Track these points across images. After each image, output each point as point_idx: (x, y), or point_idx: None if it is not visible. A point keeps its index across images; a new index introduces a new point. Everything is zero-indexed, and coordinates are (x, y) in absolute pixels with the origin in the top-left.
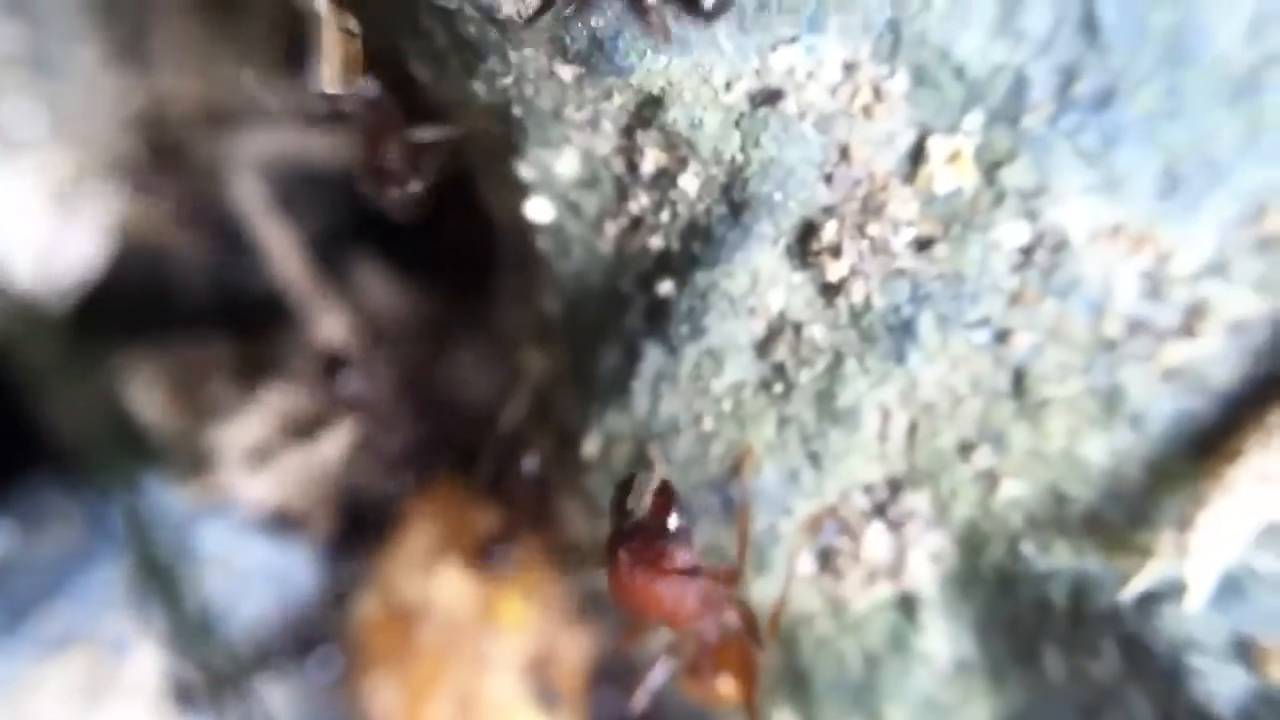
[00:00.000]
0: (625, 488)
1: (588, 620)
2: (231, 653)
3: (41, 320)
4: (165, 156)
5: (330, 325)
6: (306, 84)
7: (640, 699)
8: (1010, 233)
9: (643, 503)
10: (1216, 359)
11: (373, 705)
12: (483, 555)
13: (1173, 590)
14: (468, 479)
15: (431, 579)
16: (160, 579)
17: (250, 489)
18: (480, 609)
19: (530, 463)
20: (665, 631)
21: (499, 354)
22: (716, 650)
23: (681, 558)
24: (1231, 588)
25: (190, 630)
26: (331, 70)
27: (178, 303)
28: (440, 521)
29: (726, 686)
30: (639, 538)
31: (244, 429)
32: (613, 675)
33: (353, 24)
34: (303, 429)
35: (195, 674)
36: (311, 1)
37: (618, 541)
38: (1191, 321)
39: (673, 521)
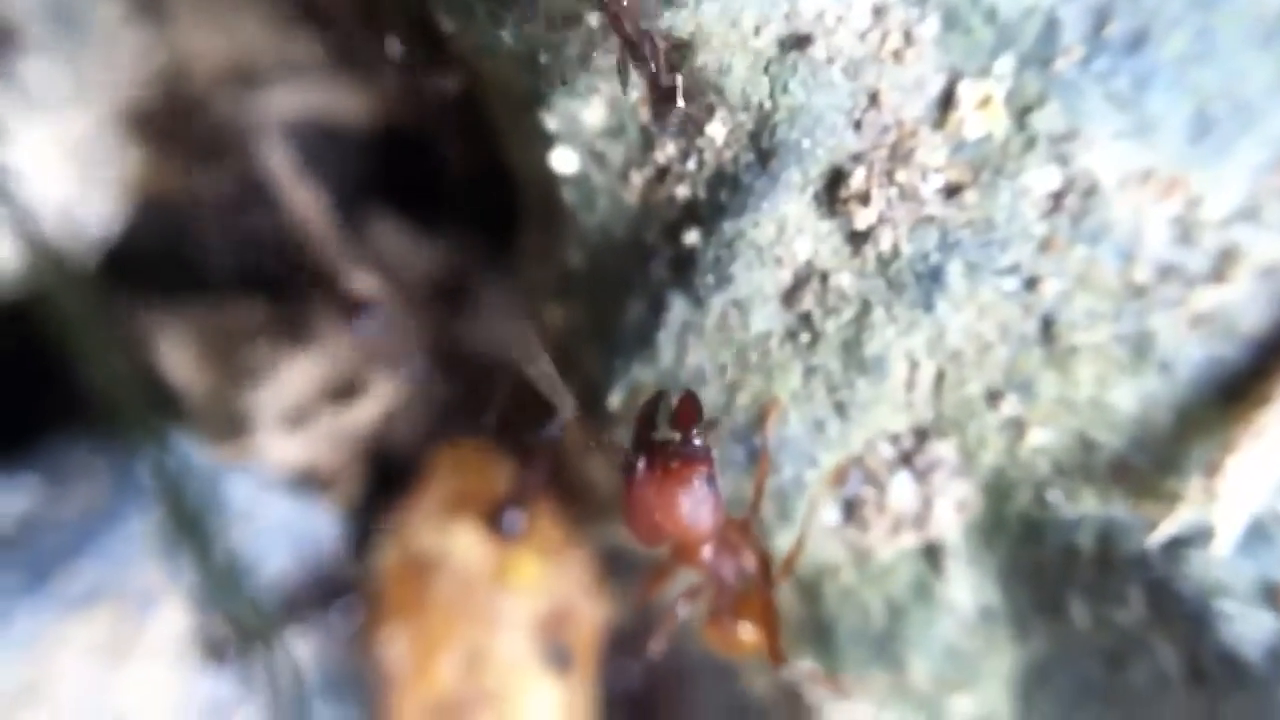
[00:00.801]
0: (651, 404)
1: (607, 584)
2: (258, 605)
3: (70, 274)
4: (187, 114)
5: (357, 282)
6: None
7: (659, 643)
8: (1040, 178)
9: (667, 417)
10: (1246, 305)
11: (387, 655)
12: (497, 518)
13: (1200, 536)
14: (488, 438)
15: (447, 533)
16: (189, 532)
17: (280, 449)
18: (494, 567)
19: (551, 425)
20: (685, 579)
21: (521, 310)
22: (738, 596)
23: (701, 469)
24: (1259, 533)
25: (219, 582)
26: None
27: (203, 262)
28: (459, 478)
29: (748, 633)
30: (659, 448)
31: (278, 391)
32: (628, 646)
33: None
34: (338, 392)
35: (222, 627)
36: None
37: (637, 451)
38: (1221, 267)
39: (695, 433)
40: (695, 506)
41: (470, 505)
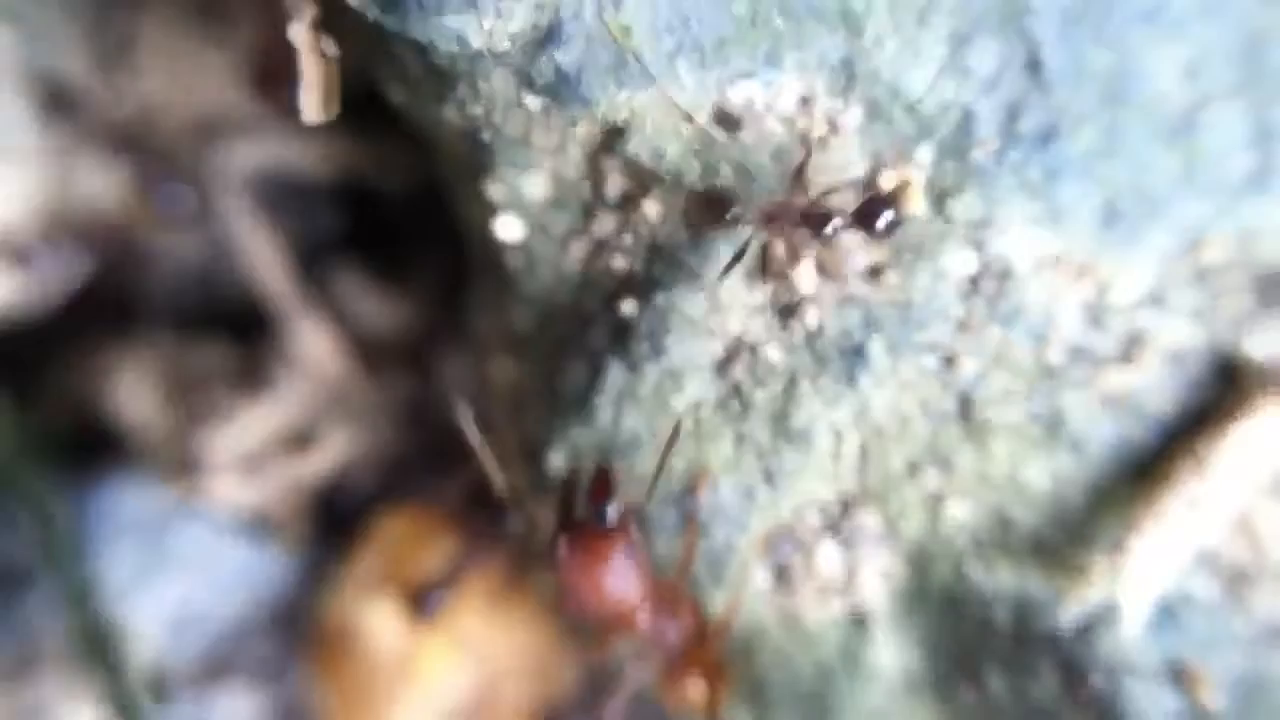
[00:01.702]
0: (569, 483)
1: (561, 651)
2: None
3: None
4: (152, 164)
5: (314, 336)
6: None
7: (614, 709)
8: (958, 261)
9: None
10: (1154, 387)
11: (319, 709)
12: (420, 599)
13: (1111, 614)
14: (434, 502)
15: (367, 608)
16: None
17: (232, 492)
18: (404, 653)
19: (512, 518)
20: (630, 643)
21: (469, 364)
22: (683, 654)
23: (617, 543)
24: (1168, 614)
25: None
26: (312, 99)
27: (165, 306)
28: (392, 549)
29: (696, 689)
30: (577, 526)
31: (234, 436)
32: (586, 708)
33: (331, 48)
34: (293, 440)
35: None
36: (290, 29)
37: (558, 532)
38: (1130, 350)
39: (611, 508)
40: (617, 579)
41: (396, 579)
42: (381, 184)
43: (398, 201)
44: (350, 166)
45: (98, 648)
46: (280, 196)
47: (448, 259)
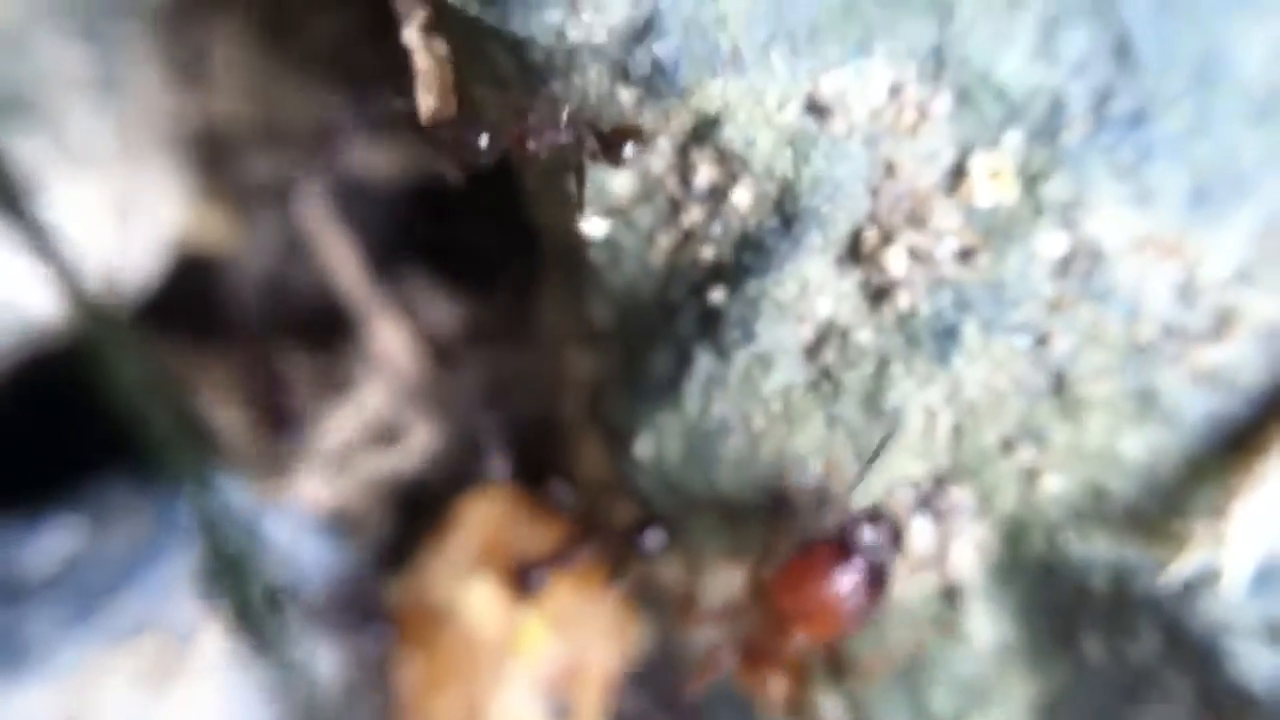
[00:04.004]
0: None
1: (631, 619)
2: (286, 626)
3: (111, 323)
4: (226, 172)
5: (391, 334)
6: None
7: (697, 686)
8: (1049, 243)
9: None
10: (1245, 362)
11: (399, 680)
12: (521, 578)
13: (1210, 577)
14: (517, 487)
15: (463, 587)
16: (229, 570)
17: (317, 492)
18: (503, 630)
19: (650, 539)
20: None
21: (545, 361)
22: (768, 643)
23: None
24: (1266, 575)
25: (256, 614)
26: (430, 100)
27: (241, 313)
28: (485, 531)
29: (778, 684)
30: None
31: (318, 436)
32: (645, 679)
33: (444, 49)
34: (380, 437)
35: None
36: (402, 32)
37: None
38: (1221, 326)
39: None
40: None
41: (494, 559)
42: (452, 186)
43: (467, 204)
44: (421, 170)
45: (229, 562)
46: (353, 200)
47: (518, 260)
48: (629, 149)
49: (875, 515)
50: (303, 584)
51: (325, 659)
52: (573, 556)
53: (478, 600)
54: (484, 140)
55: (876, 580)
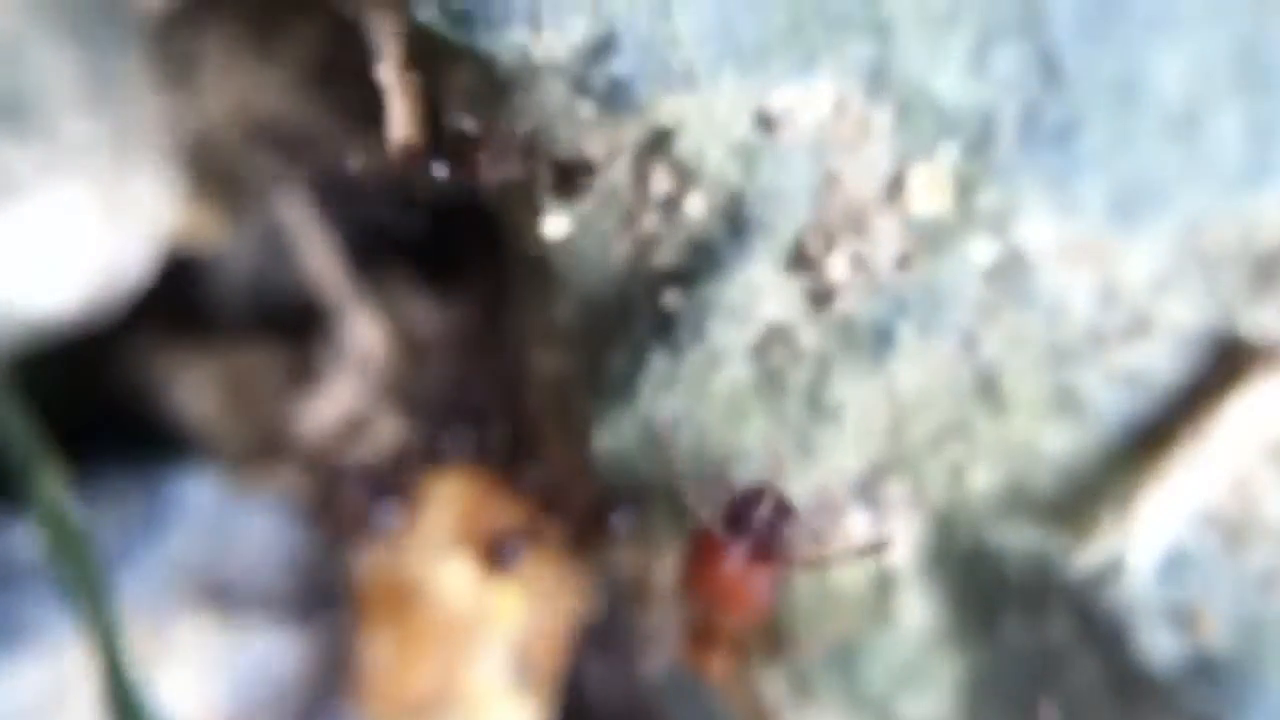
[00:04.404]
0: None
1: (580, 592)
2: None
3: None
4: (214, 171)
5: (365, 329)
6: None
7: (649, 666)
8: (980, 250)
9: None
10: (1160, 363)
11: (366, 655)
12: (496, 552)
13: (1119, 565)
14: (486, 469)
15: (435, 565)
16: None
17: (291, 482)
18: (476, 603)
19: (621, 518)
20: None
21: (512, 356)
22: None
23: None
24: (1170, 563)
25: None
26: (400, 132)
27: (221, 309)
28: (455, 509)
29: (719, 662)
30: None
31: (293, 428)
32: (597, 645)
33: (418, 82)
34: (349, 429)
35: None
36: (377, 70)
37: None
38: (1139, 329)
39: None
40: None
41: (465, 535)
42: (425, 191)
43: (440, 207)
44: (396, 173)
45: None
46: (333, 200)
47: (488, 262)
48: (582, 182)
49: (757, 493)
50: (265, 572)
51: (285, 647)
52: (543, 531)
53: (451, 576)
54: (443, 171)
55: (766, 553)
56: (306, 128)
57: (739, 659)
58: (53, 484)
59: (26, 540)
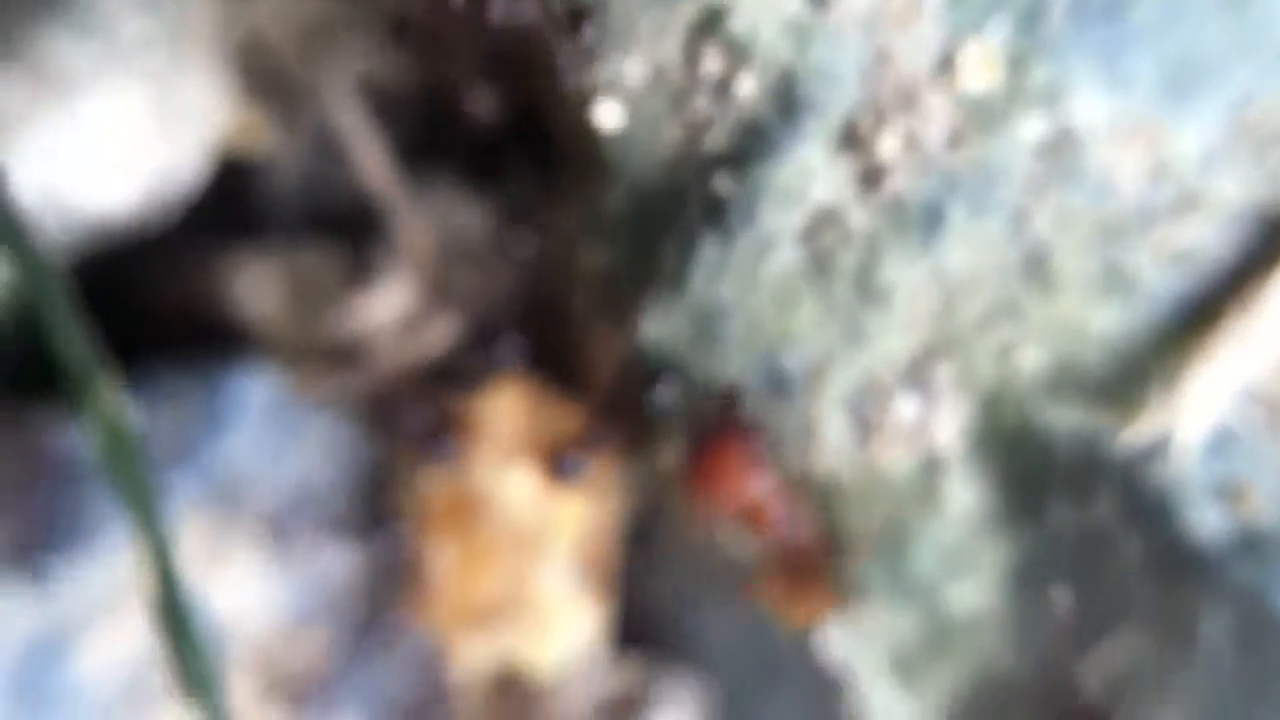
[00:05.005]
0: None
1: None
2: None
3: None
4: (265, 75)
5: (416, 231)
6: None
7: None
8: (1030, 128)
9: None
10: (1208, 241)
11: (429, 565)
12: (558, 465)
13: (1165, 444)
14: (540, 377)
15: (502, 476)
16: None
17: (351, 381)
18: (541, 513)
19: (662, 393)
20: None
21: (558, 252)
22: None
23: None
24: (1216, 441)
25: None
26: None
27: (274, 212)
28: (513, 421)
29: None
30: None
31: (351, 327)
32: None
33: None
34: (405, 328)
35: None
36: None
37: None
38: (1187, 208)
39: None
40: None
41: (524, 447)
42: (467, 90)
43: (481, 107)
44: (437, 74)
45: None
46: (379, 103)
47: (530, 159)
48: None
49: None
50: (329, 477)
51: (340, 560)
52: (599, 440)
53: (514, 486)
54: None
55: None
56: (354, 29)
57: (830, 602)
58: (107, 389)
59: (85, 442)
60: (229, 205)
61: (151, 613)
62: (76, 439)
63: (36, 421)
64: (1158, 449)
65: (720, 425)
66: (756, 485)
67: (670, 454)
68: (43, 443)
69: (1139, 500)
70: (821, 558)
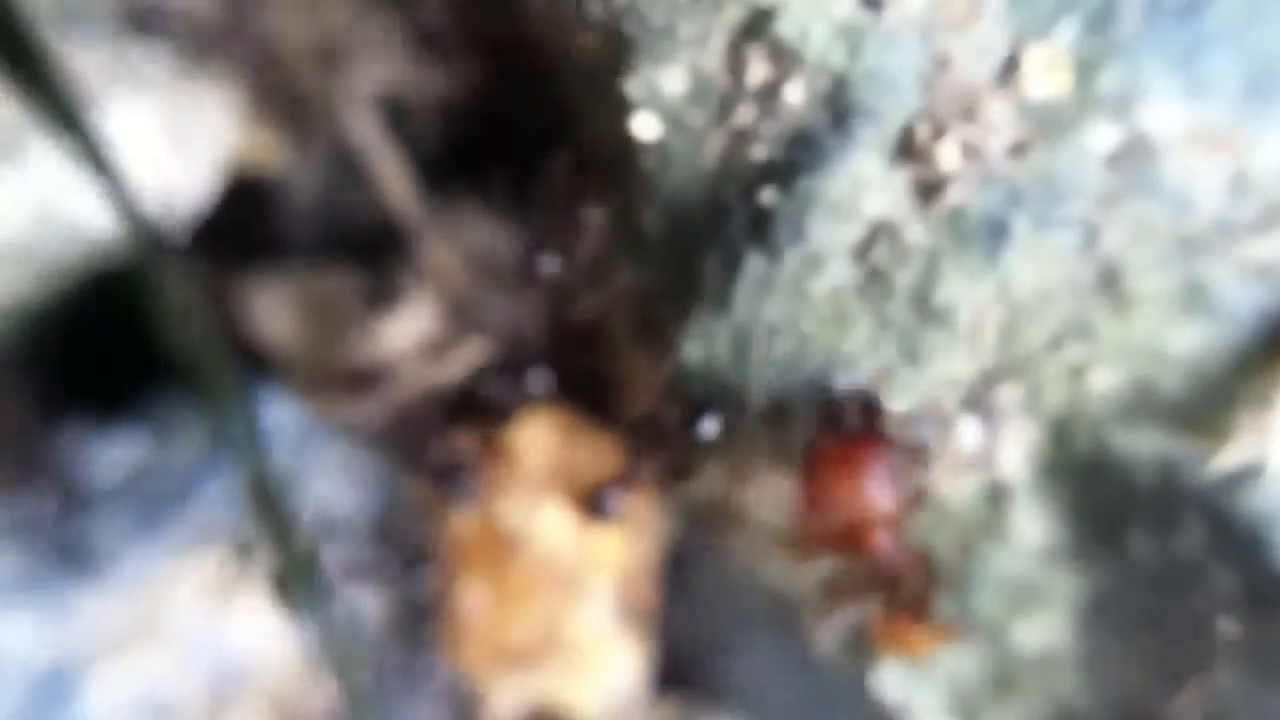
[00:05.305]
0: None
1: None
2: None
3: (154, 243)
4: (278, 92)
5: (441, 252)
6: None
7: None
8: (1101, 136)
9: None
10: None
11: (462, 606)
12: (595, 501)
13: (1256, 469)
14: (571, 408)
15: (535, 512)
16: (266, 495)
17: (371, 407)
18: (578, 550)
19: (705, 424)
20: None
21: (591, 273)
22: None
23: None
24: None
25: (288, 541)
26: None
27: (291, 233)
28: (545, 456)
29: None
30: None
31: (371, 352)
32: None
33: None
34: (429, 352)
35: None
36: None
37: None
38: (1271, 220)
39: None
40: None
41: (557, 482)
42: (492, 106)
43: (508, 122)
44: (463, 88)
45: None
46: (399, 119)
47: (559, 175)
48: None
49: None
50: (346, 520)
51: (369, 603)
52: (637, 474)
53: (548, 523)
54: None
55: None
56: (370, 43)
57: (943, 634)
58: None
59: (105, 467)
60: (244, 225)
61: (248, 504)
62: (93, 465)
63: (53, 451)
64: (1250, 474)
65: (858, 430)
66: (882, 500)
67: (712, 484)
68: (59, 472)
69: (1228, 530)
70: (925, 585)
